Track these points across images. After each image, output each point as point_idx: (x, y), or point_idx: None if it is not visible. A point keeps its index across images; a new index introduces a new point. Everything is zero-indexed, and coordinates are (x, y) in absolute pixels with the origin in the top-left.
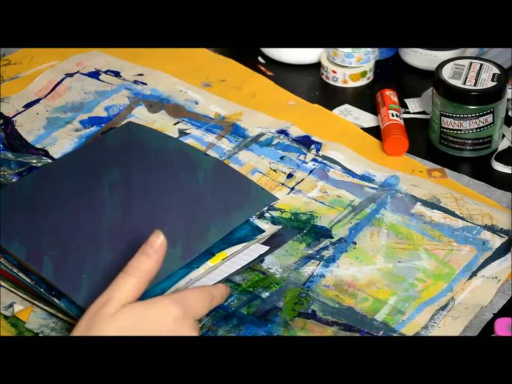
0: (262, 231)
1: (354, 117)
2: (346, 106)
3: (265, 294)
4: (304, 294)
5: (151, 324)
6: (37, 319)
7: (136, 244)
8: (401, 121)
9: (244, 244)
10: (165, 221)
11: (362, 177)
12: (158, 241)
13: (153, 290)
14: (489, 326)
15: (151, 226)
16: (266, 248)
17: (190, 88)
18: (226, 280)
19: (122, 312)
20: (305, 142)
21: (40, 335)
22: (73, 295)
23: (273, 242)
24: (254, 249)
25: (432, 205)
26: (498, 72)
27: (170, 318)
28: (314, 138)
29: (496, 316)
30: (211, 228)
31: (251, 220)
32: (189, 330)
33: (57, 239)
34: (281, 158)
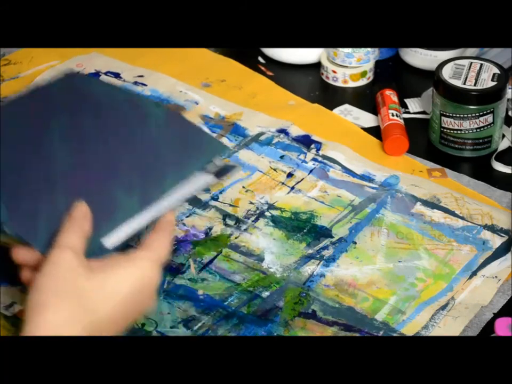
0: (211, 161)
1: (354, 117)
2: (346, 106)
3: (265, 294)
4: (304, 294)
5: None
6: None
7: (90, 191)
8: (402, 121)
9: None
10: (118, 170)
11: (362, 177)
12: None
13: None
14: (489, 326)
15: (105, 175)
16: (213, 177)
17: (190, 89)
18: (227, 279)
19: (102, 286)
20: (305, 141)
21: None
22: (31, 239)
23: (220, 174)
24: (201, 179)
25: (432, 204)
26: (498, 72)
27: (148, 279)
28: (314, 137)
29: (496, 315)
30: (167, 177)
31: (203, 171)
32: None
33: (7, 184)
34: (281, 157)
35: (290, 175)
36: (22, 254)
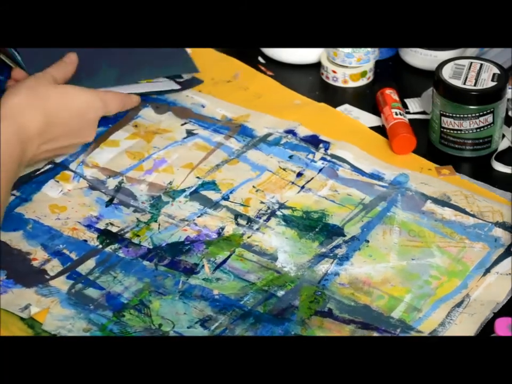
0: (181, 77)
1: (354, 116)
2: (346, 106)
3: (280, 293)
4: (319, 293)
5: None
6: (53, 321)
7: (84, 55)
8: (406, 119)
9: (165, 79)
10: (110, 53)
11: (372, 176)
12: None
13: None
14: (489, 326)
15: (99, 52)
16: (178, 86)
17: (196, 94)
18: (241, 279)
19: (59, 87)
20: (314, 141)
21: (57, 336)
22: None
23: (185, 85)
24: (167, 85)
25: (443, 202)
26: (498, 72)
27: (93, 110)
28: (322, 137)
29: (496, 315)
30: (142, 72)
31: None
32: (96, 121)
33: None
34: (290, 157)
35: (299, 174)
36: (17, 73)
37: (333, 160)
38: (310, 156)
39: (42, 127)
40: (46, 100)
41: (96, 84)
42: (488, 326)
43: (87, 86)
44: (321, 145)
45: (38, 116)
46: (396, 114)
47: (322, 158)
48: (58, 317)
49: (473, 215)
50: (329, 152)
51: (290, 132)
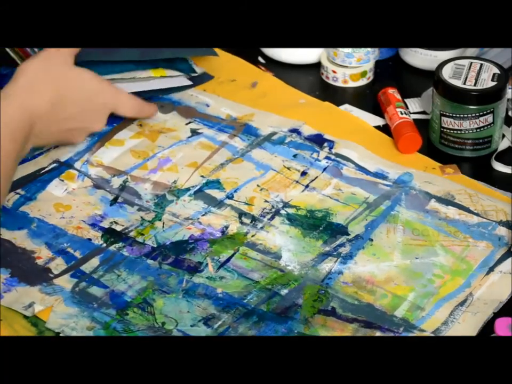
0: (195, 72)
1: None
2: (346, 106)
3: (284, 291)
4: (323, 291)
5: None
6: (57, 319)
7: None
8: (411, 119)
9: (179, 73)
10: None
11: (376, 175)
12: None
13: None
14: (489, 326)
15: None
16: (190, 82)
17: (201, 93)
18: (245, 277)
19: (74, 69)
20: (318, 140)
21: (60, 334)
22: None
23: (197, 81)
24: (179, 81)
25: (447, 201)
26: (498, 72)
27: (103, 97)
28: (326, 136)
29: (496, 315)
30: (164, 50)
31: (191, 62)
32: (105, 109)
33: None
34: (294, 156)
35: (304, 173)
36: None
37: (337, 159)
38: (315, 155)
39: (52, 106)
40: (59, 79)
41: (118, 57)
42: (488, 326)
43: (108, 59)
44: (325, 144)
45: (48, 93)
46: (401, 113)
47: (327, 157)
48: (62, 315)
49: (477, 214)
50: (333, 151)
51: (295, 131)
